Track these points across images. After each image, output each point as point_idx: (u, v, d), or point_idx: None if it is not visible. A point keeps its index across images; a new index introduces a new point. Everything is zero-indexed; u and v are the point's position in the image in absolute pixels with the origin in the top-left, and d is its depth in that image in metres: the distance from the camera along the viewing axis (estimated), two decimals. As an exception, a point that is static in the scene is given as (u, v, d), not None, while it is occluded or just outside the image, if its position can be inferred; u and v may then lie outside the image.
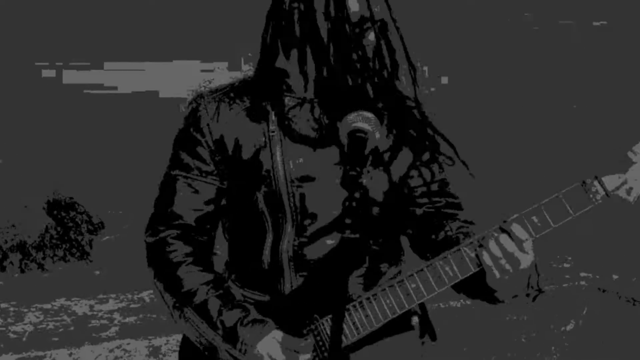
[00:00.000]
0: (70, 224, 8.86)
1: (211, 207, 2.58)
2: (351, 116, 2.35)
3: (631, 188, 2.50)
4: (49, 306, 7.02)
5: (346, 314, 2.48)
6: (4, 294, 7.61)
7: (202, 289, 2.53)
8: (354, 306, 2.51)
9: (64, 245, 8.75)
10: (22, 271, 8.58)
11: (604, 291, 6.95)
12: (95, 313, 6.90)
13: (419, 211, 2.66)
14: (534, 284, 2.54)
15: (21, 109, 10.87)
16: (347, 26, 2.40)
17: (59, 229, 8.77)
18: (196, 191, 2.56)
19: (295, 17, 2.44)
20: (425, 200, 2.67)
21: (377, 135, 2.34)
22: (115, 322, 6.64)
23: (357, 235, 2.18)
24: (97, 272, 8.37)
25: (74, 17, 14.07)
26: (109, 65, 13.98)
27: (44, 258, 8.63)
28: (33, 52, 13.52)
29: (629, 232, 7.59)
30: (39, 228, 8.68)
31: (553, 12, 12.29)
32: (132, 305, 7.03)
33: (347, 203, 2.17)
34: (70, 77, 13.67)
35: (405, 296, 2.50)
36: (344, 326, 2.47)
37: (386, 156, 2.57)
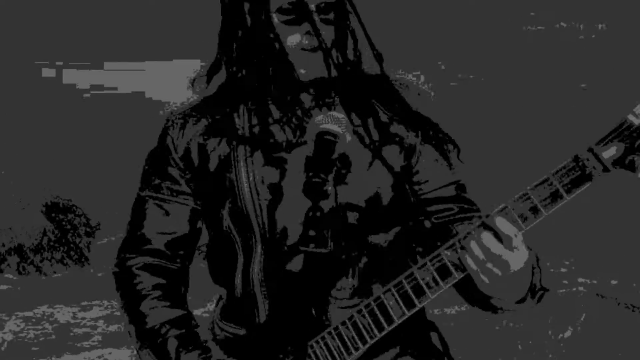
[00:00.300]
0: (68, 227, 8.86)
1: (184, 230, 2.35)
2: (319, 117, 2.10)
3: (633, 160, 2.01)
4: (30, 314, 6.92)
5: (321, 343, 2.18)
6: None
7: (163, 327, 2.30)
8: (329, 333, 2.18)
9: (62, 248, 8.74)
10: (20, 274, 8.58)
11: (602, 297, 6.91)
12: (78, 321, 6.79)
13: (427, 223, 2.29)
14: (537, 281, 2.15)
15: (19, 110, 10.88)
16: (263, 14, 2.19)
17: (56, 231, 8.77)
18: (166, 213, 2.35)
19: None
20: (435, 207, 2.29)
21: (348, 137, 2.09)
22: (99, 330, 6.56)
23: (324, 250, 1.94)
24: (100, 274, 8.34)
25: (73, 17, 14.06)
26: (109, 65, 13.98)
27: (41, 261, 8.63)
28: (32, 51, 13.53)
29: (628, 235, 7.56)
30: (36, 231, 8.68)
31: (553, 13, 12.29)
32: (116, 313, 6.81)
33: (310, 213, 1.95)
34: (70, 77, 13.67)
35: (383, 316, 2.14)
36: (320, 356, 2.17)
37: (369, 157, 2.24)
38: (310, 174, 1.97)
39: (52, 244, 8.78)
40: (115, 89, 13.70)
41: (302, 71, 2.24)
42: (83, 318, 6.84)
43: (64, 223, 8.91)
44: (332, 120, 2.07)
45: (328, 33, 2.22)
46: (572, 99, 10.95)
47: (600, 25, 12.03)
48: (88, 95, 13.38)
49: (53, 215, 8.90)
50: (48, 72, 13.56)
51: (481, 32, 12.12)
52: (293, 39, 2.21)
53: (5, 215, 8.73)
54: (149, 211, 2.36)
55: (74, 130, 10.65)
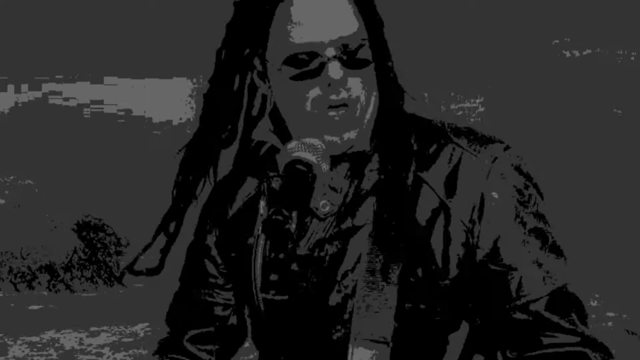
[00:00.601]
0: (99, 246, 8.96)
1: (214, 325, 2.01)
2: (292, 144, 1.70)
3: None
4: (37, 339, 6.76)
5: None
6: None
7: None
8: None
9: (91, 267, 8.84)
10: (50, 291, 8.67)
11: (632, 333, 6.88)
12: (84, 347, 6.60)
13: (500, 357, 1.66)
14: None
15: (54, 130, 10.93)
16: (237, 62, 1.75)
17: (87, 250, 8.87)
18: (201, 307, 2.05)
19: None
20: (511, 336, 1.65)
21: (325, 167, 1.68)
22: (104, 357, 6.38)
23: (285, 297, 1.65)
24: (141, 291, 8.25)
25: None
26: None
27: (71, 279, 8.72)
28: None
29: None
30: (67, 249, 8.77)
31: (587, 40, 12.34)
32: (124, 339, 6.69)
33: (272, 255, 1.65)
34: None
35: None
36: None
37: (424, 216, 1.66)
38: (272, 209, 1.61)
39: (82, 262, 8.87)
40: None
41: (334, 139, 1.71)
42: (89, 344, 6.68)
43: (94, 242, 9.00)
44: (307, 148, 1.69)
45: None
46: (606, 125, 11.00)
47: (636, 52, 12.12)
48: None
49: (84, 234, 8.99)
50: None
51: (518, 56, 12.18)
52: (311, 95, 1.69)
53: (38, 233, 8.81)
54: (184, 304, 2.06)
55: (103, 149, 10.70)
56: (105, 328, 7.03)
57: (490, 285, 1.63)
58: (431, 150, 1.69)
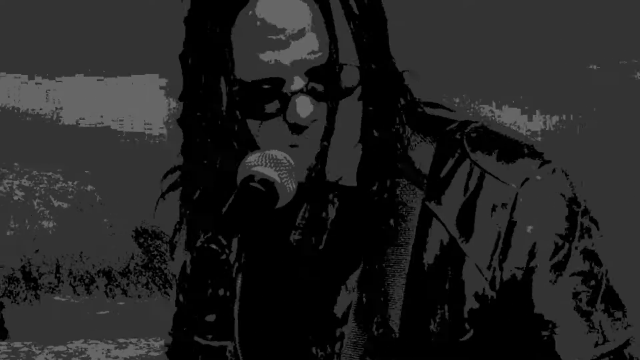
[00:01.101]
0: (155, 253, 9.16)
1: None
2: (252, 157, 1.34)
3: None
4: (63, 348, 6.72)
5: None
6: (20, 331, 7.33)
7: None
8: None
9: (147, 273, 9.05)
10: (107, 295, 8.91)
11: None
12: None
13: None
14: None
15: (115, 138, 11.16)
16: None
17: (144, 257, 9.08)
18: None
19: None
20: None
21: (291, 187, 1.33)
22: None
23: (227, 343, 1.36)
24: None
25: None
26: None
27: (128, 284, 8.95)
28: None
29: None
30: (125, 255, 9.00)
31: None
32: (151, 353, 6.62)
33: (209, 291, 1.26)
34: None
35: None
36: None
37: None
38: (207, 235, 1.25)
39: (138, 268, 9.08)
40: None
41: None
42: (116, 357, 6.64)
43: (151, 249, 9.20)
44: (268, 162, 1.33)
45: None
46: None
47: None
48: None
49: (142, 240, 9.20)
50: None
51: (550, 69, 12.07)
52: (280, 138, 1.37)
53: (97, 238, 9.06)
54: (182, 316, 1.63)
55: (158, 156, 10.90)
56: (133, 340, 6.95)
57: (514, 347, 1.28)
58: (445, 170, 1.31)
